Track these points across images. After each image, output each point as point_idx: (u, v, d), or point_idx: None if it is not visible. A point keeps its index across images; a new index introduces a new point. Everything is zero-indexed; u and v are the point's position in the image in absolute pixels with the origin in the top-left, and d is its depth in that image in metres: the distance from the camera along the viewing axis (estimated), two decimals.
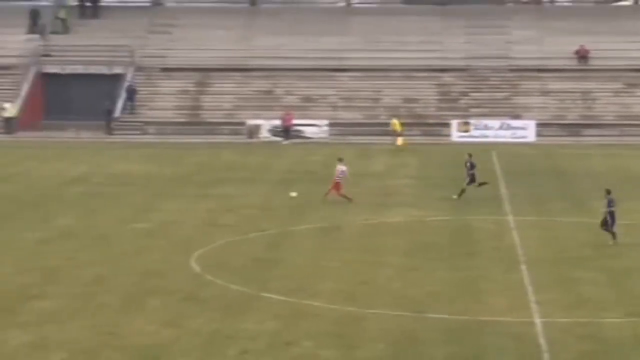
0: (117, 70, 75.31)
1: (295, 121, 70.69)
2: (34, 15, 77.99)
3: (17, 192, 50.99)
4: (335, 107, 74.18)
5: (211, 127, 72.08)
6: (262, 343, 28.16)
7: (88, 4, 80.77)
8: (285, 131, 69.99)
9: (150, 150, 65.22)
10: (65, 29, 78.42)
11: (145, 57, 77.48)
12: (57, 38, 77.96)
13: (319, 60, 76.70)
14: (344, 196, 47.14)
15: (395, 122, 66.98)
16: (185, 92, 75.92)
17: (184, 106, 75.11)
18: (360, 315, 30.72)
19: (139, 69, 76.53)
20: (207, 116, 74.06)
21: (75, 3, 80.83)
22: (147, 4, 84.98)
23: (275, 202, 48.83)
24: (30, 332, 29.20)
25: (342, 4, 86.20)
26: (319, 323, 29.98)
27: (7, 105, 70.20)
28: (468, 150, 51.11)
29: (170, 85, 76.20)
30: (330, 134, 70.83)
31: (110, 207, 47.54)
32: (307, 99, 74.92)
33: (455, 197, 47.97)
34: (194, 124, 72.97)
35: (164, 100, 75.40)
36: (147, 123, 73.21)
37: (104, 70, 75.02)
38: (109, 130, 71.08)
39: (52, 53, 76.44)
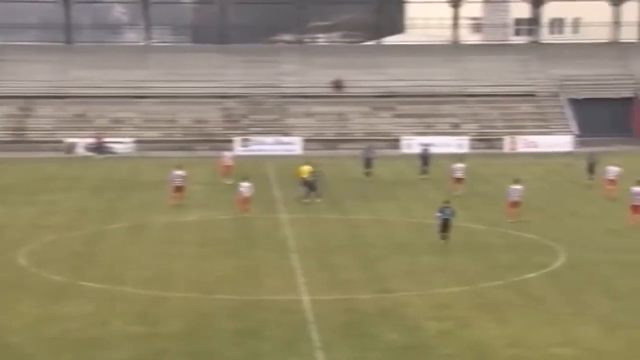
0: None
1: (106, 139, 69.19)
2: None
3: None
4: (139, 128, 72.87)
5: (34, 145, 69.72)
6: (80, 323, 27.81)
7: None
8: (98, 148, 68.33)
9: None
10: None
11: None
12: None
13: (125, 89, 75.48)
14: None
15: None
16: (11, 115, 73.26)
17: (10, 127, 72.53)
18: (161, 298, 30.23)
19: None
20: (32, 136, 71.74)
21: None
22: None
23: (91, 205, 47.67)
24: None
25: (143, 43, 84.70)
26: (128, 305, 29.39)
27: None
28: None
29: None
30: (136, 150, 69.56)
31: None
32: (116, 120, 73.57)
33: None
34: (19, 142, 70.50)
35: None
36: None
37: None
38: None
39: None
